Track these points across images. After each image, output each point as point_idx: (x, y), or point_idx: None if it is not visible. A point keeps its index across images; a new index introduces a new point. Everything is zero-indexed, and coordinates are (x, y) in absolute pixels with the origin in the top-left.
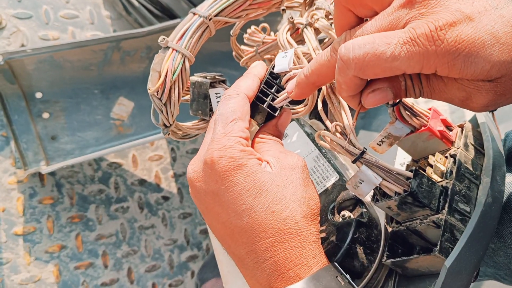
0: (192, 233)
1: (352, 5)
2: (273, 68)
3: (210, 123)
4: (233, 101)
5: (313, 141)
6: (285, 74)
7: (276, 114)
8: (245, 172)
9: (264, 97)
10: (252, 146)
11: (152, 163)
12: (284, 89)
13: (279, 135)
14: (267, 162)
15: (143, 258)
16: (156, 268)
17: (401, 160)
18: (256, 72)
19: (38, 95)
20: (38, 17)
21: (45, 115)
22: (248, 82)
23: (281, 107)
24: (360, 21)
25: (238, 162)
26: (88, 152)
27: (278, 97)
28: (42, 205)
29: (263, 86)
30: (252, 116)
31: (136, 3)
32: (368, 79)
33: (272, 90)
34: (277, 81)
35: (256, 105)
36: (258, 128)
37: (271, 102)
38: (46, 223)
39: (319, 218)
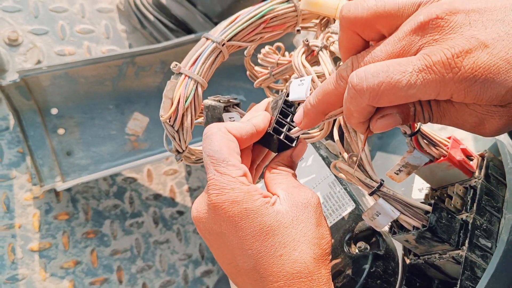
0: (207, 247)
1: (359, 28)
2: (287, 96)
3: (205, 165)
4: (214, 138)
5: (329, 165)
6: (299, 103)
7: (294, 144)
8: (251, 217)
9: (280, 128)
10: (266, 177)
11: (167, 178)
12: None
13: (293, 166)
14: (278, 196)
15: (157, 273)
16: (171, 283)
17: (419, 185)
18: (254, 121)
19: (54, 111)
20: (54, 32)
21: (61, 131)
22: (236, 123)
23: (298, 137)
24: (367, 45)
25: (243, 206)
26: (103, 168)
27: (294, 127)
28: (58, 221)
29: (278, 116)
30: (269, 146)
31: (151, 17)
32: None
33: (288, 120)
34: (292, 109)
35: (272, 135)
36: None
37: (287, 133)
38: (61, 239)
39: (330, 257)
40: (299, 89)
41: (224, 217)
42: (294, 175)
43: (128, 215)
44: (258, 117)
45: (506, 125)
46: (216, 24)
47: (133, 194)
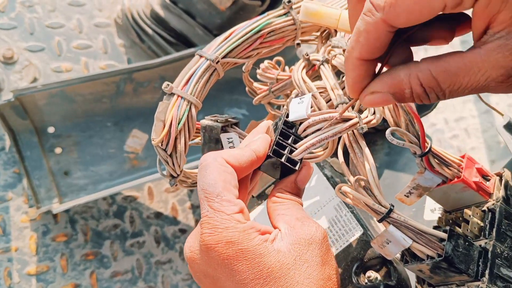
0: None
1: None
2: (287, 116)
3: (199, 200)
4: (210, 170)
5: (334, 185)
6: (300, 123)
7: (297, 167)
8: (248, 258)
9: (281, 150)
10: (268, 206)
11: (168, 195)
12: (302, 139)
13: (299, 192)
14: (279, 230)
15: None
16: None
17: (431, 205)
18: (253, 147)
19: (51, 129)
20: (51, 49)
21: (58, 150)
22: (235, 151)
23: (301, 159)
24: None
25: (238, 247)
26: (102, 187)
27: (296, 149)
28: (56, 243)
29: (278, 138)
30: (270, 172)
31: (150, 31)
32: (399, 26)
33: (289, 141)
34: (293, 131)
35: (272, 159)
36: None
37: (289, 155)
38: (59, 262)
39: None
40: (299, 108)
41: (218, 259)
42: (300, 204)
43: (128, 235)
44: (257, 141)
45: None
46: (216, 36)
47: (134, 213)
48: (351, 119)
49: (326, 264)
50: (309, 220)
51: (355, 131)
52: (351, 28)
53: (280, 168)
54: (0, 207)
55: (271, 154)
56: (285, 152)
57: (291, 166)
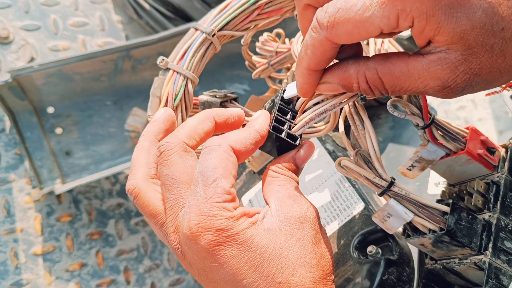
0: None
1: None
2: (283, 92)
3: (192, 184)
4: (213, 154)
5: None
6: (298, 98)
7: (297, 143)
8: (239, 242)
9: (280, 126)
10: (263, 180)
11: None
12: (300, 114)
13: (296, 171)
14: (269, 207)
15: (166, 272)
16: (181, 282)
17: (435, 179)
18: (257, 126)
19: (50, 110)
20: (47, 27)
21: (58, 131)
22: (239, 134)
23: (301, 135)
24: None
25: (228, 233)
26: (104, 167)
27: (296, 124)
28: (60, 223)
29: (277, 114)
30: (269, 148)
31: (147, 6)
32: (342, 43)
33: (288, 117)
34: (291, 106)
35: (272, 135)
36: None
37: (288, 131)
38: (65, 241)
39: (332, 277)
40: (294, 85)
41: (207, 248)
42: (296, 181)
43: (133, 213)
44: (259, 119)
45: (467, 80)
46: None
47: None
48: None
49: (319, 243)
50: (301, 198)
51: (356, 102)
52: (302, 34)
53: (279, 145)
54: (3, 189)
55: (271, 130)
56: (285, 127)
57: (291, 142)
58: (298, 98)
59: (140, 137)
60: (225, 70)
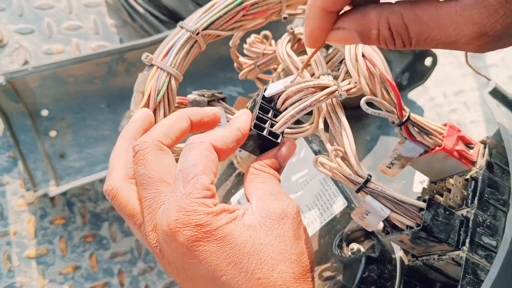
0: None
1: None
2: (265, 91)
3: (173, 181)
4: (194, 151)
5: None
6: (278, 97)
7: (279, 140)
8: (218, 238)
9: (262, 124)
10: (245, 177)
11: None
12: (281, 112)
13: (278, 169)
14: (250, 204)
15: (160, 274)
16: (174, 285)
17: (420, 177)
18: (238, 125)
19: (44, 112)
20: (41, 31)
21: (52, 133)
22: (221, 132)
23: (282, 133)
24: None
25: (207, 228)
26: (98, 169)
27: (277, 122)
28: (54, 226)
29: (258, 112)
30: (250, 147)
31: (141, 10)
32: None
33: (269, 115)
34: (272, 105)
35: (253, 135)
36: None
37: (270, 129)
38: (58, 244)
39: (312, 274)
40: (277, 83)
41: (186, 243)
42: (278, 179)
43: None
44: (241, 117)
45: (507, 27)
46: None
47: None
48: (328, 86)
49: (299, 239)
50: (282, 195)
51: (333, 100)
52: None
53: (261, 143)
54: None
55: (252, 128)
56: (266, 125)
57: (273, 139)
58: (279, 97)
59: (118, 137)
60: (218, 72)
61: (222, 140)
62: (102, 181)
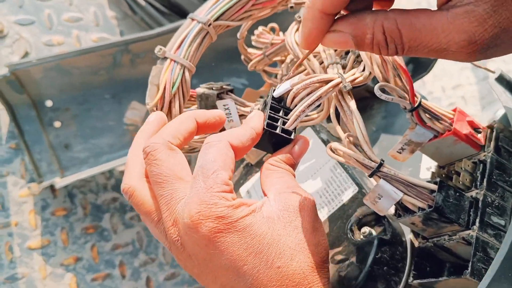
0: None
1: None
2: (273, 92)
3: (192, 177)
4: (213, 149)
5: None
6: (287, 96)
7: (292, 137)
8: (239, 229)
9: (274, 123)
10: (261, 173)
11: None
12: (291, 110)
13: (293, 165)
14: (268, 198)
15: (161, 266)
16: (176, 276)
17: (427, 164)
18: (252, 124)
19: (49, 103)
20: (41, 22)
21: (57, 124)
22: (237, 131)
23: (295, 129)
24: None
25: (228, 220)
26: (103, 160)
27: (288, 119)
28: (55, 217)
29: (270, 112)
30: (265, 145)
31: (142, 2)
32: None
33: (280, 114)
34: (282, 104)
35: (267, 133)
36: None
37: (282, 126)
38: (60, 235)
39: (328, 265)
40: (284, 83)
41: (208, 235)
42: (293, 175)
43: (128, 208)
44: (254, 117)
45: (495, 37)
46: None
47: None
48: (332, 79)
49: (316, 231)
50: (299, 188)
51: (341, 90)
52: None
53: (274, 141)
54: None
55: (265, 127)
56: (278, 124)
57: (286, 136)
58: (288, 96)
59: (134, 138)
60: (223, 64)
61: (239, 139)
62: (103, 172)
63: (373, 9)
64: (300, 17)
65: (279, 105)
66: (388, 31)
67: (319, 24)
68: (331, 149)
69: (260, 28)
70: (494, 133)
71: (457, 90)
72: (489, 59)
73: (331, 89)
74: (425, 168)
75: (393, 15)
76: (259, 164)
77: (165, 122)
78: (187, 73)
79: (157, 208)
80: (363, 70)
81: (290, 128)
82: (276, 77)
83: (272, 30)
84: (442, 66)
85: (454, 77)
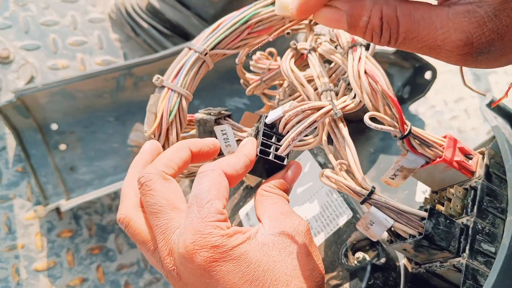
0: None
1: None
2: (266, 118)
3: (187, 207)
4: (207, 178)
5: None
6: (279, 122)
7: (284, 163)
8: (234, 257)
9: (267, 149)
10: (255, 199)
11: None
12: (283, 136)
13: (287, 190)
14: (262, 224)
15: (166, 285)
16: None
17: (423, 187)
18: (245, 151)
19: (54, 126)
20: (46, 46)
21: (62, 147)
22: (230, 159)
23: (287, 155)
24: None
25: (223, 249)
26: (107, 182)
27: (281, 146)
28: (61, 239)
29: (262, 138)
30: (258, 171)
31: (145, 25)
32: None
33: (273, 140)
34: (274, 130)
35: (260, 160)
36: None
37: (275, 153)
38: (66, 257)
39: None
40: (276, 110)
41: (203, 265)
42: (287, 200)
43: None
44: (247, 145)
45: (491, 42)
46: None
47: None
48: (323, 107)
49: (310, 255)
50: (293, 214)
51: (333, 117)
52: None
53: (268, 167)
54: (5, 206)
55: (258, 154)
56: (271, 150)
57: (279, 162)
58: (280, 122)
59: (128, 168)
60: (224, 84)
61: (233, 167)
62: (109, 194)
63: None
64: (295, 44)
65: (272, 131)
66: (386, 17)
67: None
68: (323, 176)
69: (258, 54)
70: (485, 160)
71: (459, 103)
72: (477, 68)
73: (322, 116)
74: (421, 191)
75: (394, 2)
76: (259, 186)
77: (159, 151)
78: (184, 101)
79: (152, 237)
80: (354, 97)
81: (283, 154)
82: (274, 99)
83: (270, 54)
84: (444, 79)
85: (456, 90)
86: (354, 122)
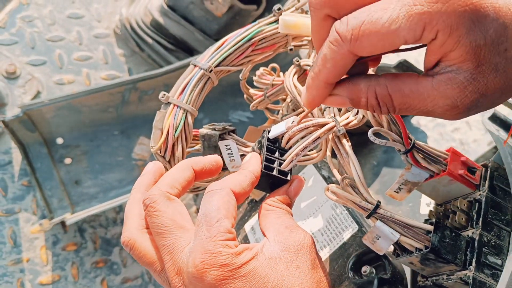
0: None
1: (332, 7)
2: (268, 133)
3: (196, 226)
4: (216, 197)
5: None
6: (282, 137)
7: (288, 177)
8: (243, 274)
9: (270, 165)
10: (259, 214)
11: None
12: (286, 151)
13: (290, 204)
14: (267, 238)
15: None
16: None
17: (427, 200)
18: (251, 168)
19: (59, 140)
20: (52, 62)
21: (67, 161)
22: (237, 177)
23: (291, 170)
24: None
25: (232, 267)
26: (112, 195)
27: (284, 160)
28: (66, 252)
29: (266, 154)
30: (263, 186)
31: (149, 40)
32: (363, 56)
33: (276, 155)
34: (277, 145)
35: (265, 175)
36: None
37: (279, 168)
38: (70, 270)
39: None
40: (279, 125)
41: (213, 283)
42: (290, 214)
43: None
44: (251, 161)
45: (475, 101)
46: (216, 41)
47: None
48: (327, 124)
49: (317, 268)
50: (297, 228)
51: (336, 133)
52: (315, 45)
53: (272, 182)
54: (10, 219)
55: (263, 170)
56: (275, 165)
57: (283, 177)
58: (282, 137)
59: (131, 190)
60: (228, 98)
61: (240, 185)
62: (114, 207)
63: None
64: (298, 60)
65: (274, 146)
66: (380, 96)
67: (322, 91)
68: (329, 192)
69: (261, 69)
70: (489, 172)
71: None
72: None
73: (325, 133)
74: (425, 204)
75: (384, 81)
76: (263, 200)
77: (162, 171)
78: (189, 117)
79: (159, 258)
80: (357, 113)
81: (286, 170)
82: (278, 114)
83: (273, 70)
84: None
85: None
86: (357, 134)
